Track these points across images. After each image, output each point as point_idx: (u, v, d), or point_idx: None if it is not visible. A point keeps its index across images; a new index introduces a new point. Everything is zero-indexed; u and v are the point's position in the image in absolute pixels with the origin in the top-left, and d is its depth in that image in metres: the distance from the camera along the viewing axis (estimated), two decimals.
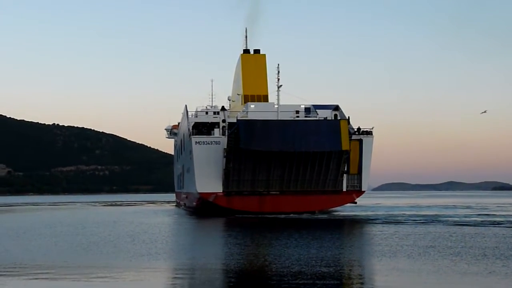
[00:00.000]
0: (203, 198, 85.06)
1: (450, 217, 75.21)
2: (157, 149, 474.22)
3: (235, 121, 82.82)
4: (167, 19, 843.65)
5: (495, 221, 65.22)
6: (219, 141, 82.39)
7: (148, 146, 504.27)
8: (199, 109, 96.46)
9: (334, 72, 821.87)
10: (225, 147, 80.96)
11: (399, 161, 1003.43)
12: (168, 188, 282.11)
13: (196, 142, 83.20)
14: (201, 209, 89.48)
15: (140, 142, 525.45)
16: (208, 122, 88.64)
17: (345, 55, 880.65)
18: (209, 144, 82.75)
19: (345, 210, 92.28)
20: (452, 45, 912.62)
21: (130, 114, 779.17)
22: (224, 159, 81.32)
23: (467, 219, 70.62)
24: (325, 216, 79.86)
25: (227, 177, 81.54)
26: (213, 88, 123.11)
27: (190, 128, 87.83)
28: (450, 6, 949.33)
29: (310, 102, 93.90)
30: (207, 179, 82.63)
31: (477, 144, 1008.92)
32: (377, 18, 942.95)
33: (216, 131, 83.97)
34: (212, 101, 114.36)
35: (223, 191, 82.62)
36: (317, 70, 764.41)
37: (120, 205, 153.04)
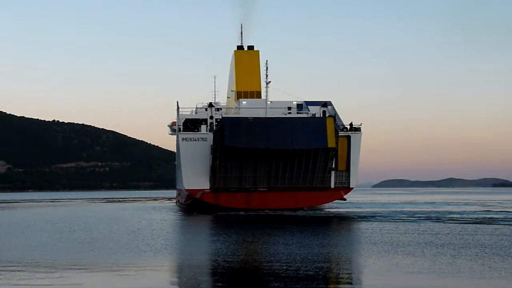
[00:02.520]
0: (191, 195, 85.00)
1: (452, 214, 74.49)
2: (157, 146, 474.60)
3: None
4: (169, 14, 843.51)
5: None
6: (206, 138, 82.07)
7: (149, 142, 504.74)
8: (199, 106, 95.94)
9: (333, 68, 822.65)
10: (212, 144, 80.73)
11: (399, 158, 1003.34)
12: (169, 185, 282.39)
13: (183, 139, 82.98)
14: (191, 205, 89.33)
15: (140, 139, 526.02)
16: (199, 119, 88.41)
17: (343, 50, 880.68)
18: (196, 140, 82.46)
19: (350, 207, 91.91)
20: (454, 41, 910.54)
21: (131, 111, 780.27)
22: (211, 156, 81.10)
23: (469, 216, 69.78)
24: (322, 212, 79.72)
25: (214, 174, 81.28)
26: (216, 85, 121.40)
27: (180, 124, 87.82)
28: (452, 2, 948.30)
29: (306, 98, 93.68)
30: (194, 176, 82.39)
31: (477, 140, 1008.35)
32: (376, 13, 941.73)
33: (203, 128, 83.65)
34: (214, 97, 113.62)
35: (210, 187, 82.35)
36: (314, 66, 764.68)
37: (120, 201, 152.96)
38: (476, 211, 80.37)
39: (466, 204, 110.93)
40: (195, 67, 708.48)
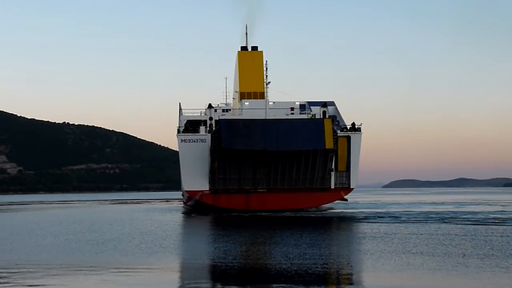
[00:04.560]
0: (191, 196, 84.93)
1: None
2: (167, 147, 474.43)
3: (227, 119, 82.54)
4: (178, 17, 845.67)
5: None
6: (205, 139, 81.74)
7: (158, 144, 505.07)
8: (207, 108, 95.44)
9: (341, 67, 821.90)
10: (210, 145, 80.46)
11: (409, 158, 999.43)
12: (178, 186, 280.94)
13: (182, 140, 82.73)
14: (194, 206, 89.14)
15: (150, 141, 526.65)
16: (201, 120, 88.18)
17: (351, 50, 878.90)
18: (194, 142, 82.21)
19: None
20: (464, 41, 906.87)
21: (140, 112, 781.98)
22: (210, 157, 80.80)
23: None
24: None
25: (213, 175, 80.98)
26: (227, 86, 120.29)
27: (182, 126, 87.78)
28: (460, 1, 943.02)
29: (311, 98, 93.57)
30: (194, 177, 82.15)
31: (488, 140, 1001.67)
32: (382, 13, 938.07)
33: (202, 129, 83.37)
34: (226, 98, 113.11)
35: (209, 189, 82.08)
36: (321, 66, 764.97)
37: (130, 203, 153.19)
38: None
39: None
40: (207, 68, 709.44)
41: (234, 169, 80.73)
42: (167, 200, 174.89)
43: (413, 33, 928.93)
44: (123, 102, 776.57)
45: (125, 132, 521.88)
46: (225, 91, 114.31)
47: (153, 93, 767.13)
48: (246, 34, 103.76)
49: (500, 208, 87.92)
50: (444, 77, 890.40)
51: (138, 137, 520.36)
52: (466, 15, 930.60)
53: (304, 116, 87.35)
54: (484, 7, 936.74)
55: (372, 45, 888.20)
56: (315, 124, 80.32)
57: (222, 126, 78.47)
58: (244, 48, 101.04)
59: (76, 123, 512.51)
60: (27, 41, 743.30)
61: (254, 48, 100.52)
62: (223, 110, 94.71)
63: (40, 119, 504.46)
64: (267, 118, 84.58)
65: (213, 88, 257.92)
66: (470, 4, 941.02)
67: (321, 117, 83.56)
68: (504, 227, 51.95)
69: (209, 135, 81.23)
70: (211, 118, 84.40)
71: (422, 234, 45.17)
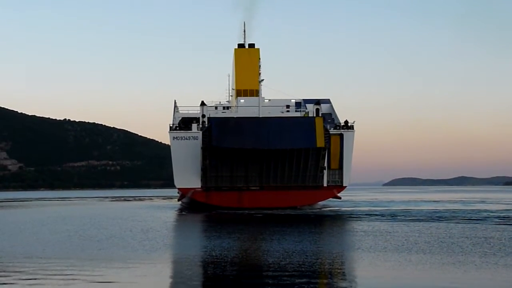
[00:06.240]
0: (183, 194, 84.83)
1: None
2: (168, 144, 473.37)
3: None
4: (181, 15, 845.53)
5: None
6: (197, 137, 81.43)
7: (159, 141, 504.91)
8: (209, 105, 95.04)
9: (342, 66, 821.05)
10: (202, 143, 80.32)
11: (410, 157, 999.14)
12: None
13: (174, 138, 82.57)
14: (189, 204, 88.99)
15: (151, 137, 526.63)
16: (195, 118, 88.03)
17: (349, 48, 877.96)
18: (186, 139, 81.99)
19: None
20: (467, 39, 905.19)
21: (141, 109, 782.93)
22: (202, 155, 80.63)
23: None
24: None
25: (205, 173, 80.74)
26: (229, 83, 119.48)
27: (176, 123, 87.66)
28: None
29: (309, 95, 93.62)
30: (185, 175, 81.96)
31: (489, 139, 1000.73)
32: (379, 11, 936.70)
33: (194, 126, 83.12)
34: (229, 96, 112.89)
35: (201, 186, 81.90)
36: (320, 63, 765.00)
37: (131, 200, 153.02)
38: None
39: None
40: (209, 65, 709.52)
41: (226, 167, 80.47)
42: (168, 197, 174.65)
43: (413, 30, 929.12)
44: (124, 99, 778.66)
45: (126, 129, 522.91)
46: (228, 89, 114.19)
47: (154, 90, 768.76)
48: (244, 31, 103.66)
49: (502, 207, 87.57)
50: (445, 75, 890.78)
51: (139, 134, 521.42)
52: (468, 13, 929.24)
53: (298, 114, 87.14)
54: (486, 5, 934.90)
55: (371, 42, 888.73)
56: (306, 123, 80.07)
57: (212, 124, 78.33)
58: (241, 46, 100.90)
59: (77, 120, 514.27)
60: (27, 38, 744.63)
61: (251, 46, 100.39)
62: (224, 108, 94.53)
63: (40, 116, 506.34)
64: (261, 115, 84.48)
65: (214, 86, 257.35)
66: (472, 2, 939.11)
67: (314, 115, 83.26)
68: (504, 226, 51.68)
69: (201, 132, 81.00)
70: (203, 116, 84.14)
71: (421, 232, 45.07)
